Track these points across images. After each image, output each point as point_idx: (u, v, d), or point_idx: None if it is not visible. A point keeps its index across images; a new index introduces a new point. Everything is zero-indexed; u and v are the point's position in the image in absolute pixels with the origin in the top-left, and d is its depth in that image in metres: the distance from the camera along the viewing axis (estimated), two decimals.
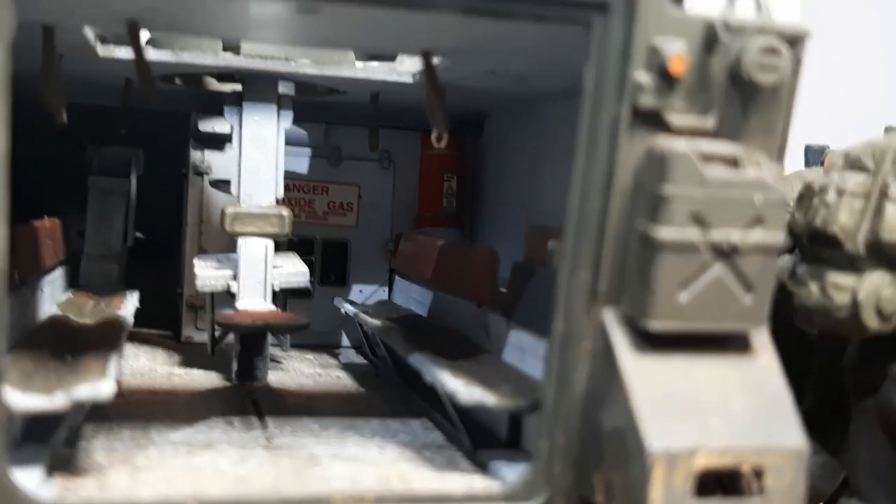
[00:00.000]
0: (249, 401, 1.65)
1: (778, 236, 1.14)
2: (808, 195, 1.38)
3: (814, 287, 1.33)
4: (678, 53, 1.10)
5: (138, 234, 2.20)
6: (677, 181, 1.09)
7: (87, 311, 1.75)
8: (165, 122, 2.09)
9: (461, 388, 1.27)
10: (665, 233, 1.10)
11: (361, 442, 1.42)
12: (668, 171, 1.09)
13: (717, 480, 1.17)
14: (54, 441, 1.23)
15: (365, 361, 2.11)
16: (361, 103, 2.00)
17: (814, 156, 1.75)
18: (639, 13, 1.10)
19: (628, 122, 1.12)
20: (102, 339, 1.44)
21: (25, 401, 1.07)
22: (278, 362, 2.00)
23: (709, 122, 1.14)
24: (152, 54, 1.63)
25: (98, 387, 1.11)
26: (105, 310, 1.76)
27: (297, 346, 2.14)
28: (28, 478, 1.08)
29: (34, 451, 1.18)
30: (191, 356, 1.99)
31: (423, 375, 1.41)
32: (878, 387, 1.38)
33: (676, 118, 1.13)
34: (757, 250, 1.13)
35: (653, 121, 1.13)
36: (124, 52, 1.56)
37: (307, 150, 2.23)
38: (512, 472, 1.25)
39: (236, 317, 1.72)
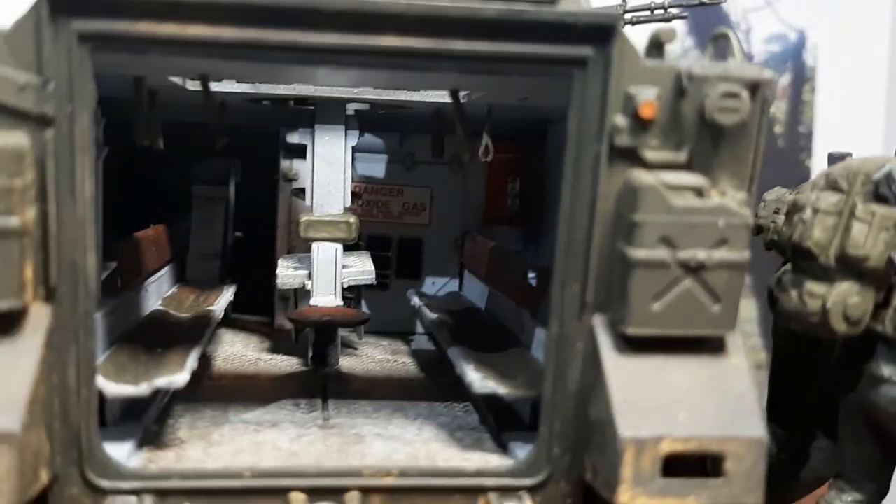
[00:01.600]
0: (319, 385, 1.90)
1: (743, 254, 1.30)
2: (793, 211, 1.54)
3: (793, 293, 1.48)
4: (648, 100, 1.27)
5: (238, 234, 2.48)
6: (646, 209, 1.27)
7: (186, 306, 2.04)
8: (259, 134, 2.36)
9: (478, 380, 1.49)
10: (638, 253, 1.27)
11: (404, 423, 1.64)
12: (638, 201, 1.27)
13: (702, 466, 1.36)
14: (146, 419, 1.50)
15: (433, 347, 2.33)
16: (429, 114, 2.21)
17: (836, 163, 1.86)
18: (614, 66, 1.26)
19: (608, 159, 1.30)
20: (191, 334, 1.71)
21: (115, 388, 1.34)
22: (354, 348, 2.23)
23: (682, 156, 1.31)
24: (234, 86, 1.89)
25: (174, 378, 1.37)
26: (201, 304, 2.04)
27: (375, 332, 2.35)
28: (119, 451, 1.34)
29: (128, 428, 1.44)
30: (279, 343, 2.23)
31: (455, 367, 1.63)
32: (858, 384, 1.53)
33: (651, 154, 1.30)
34: (723, 266, 1.29)
35: (629, 157, 1.30)
36: (214, 86, 1.81)
37: (384, 157, 2.44)
38: (525, 453, 1.44)
39: (307, 312, 1.97)
